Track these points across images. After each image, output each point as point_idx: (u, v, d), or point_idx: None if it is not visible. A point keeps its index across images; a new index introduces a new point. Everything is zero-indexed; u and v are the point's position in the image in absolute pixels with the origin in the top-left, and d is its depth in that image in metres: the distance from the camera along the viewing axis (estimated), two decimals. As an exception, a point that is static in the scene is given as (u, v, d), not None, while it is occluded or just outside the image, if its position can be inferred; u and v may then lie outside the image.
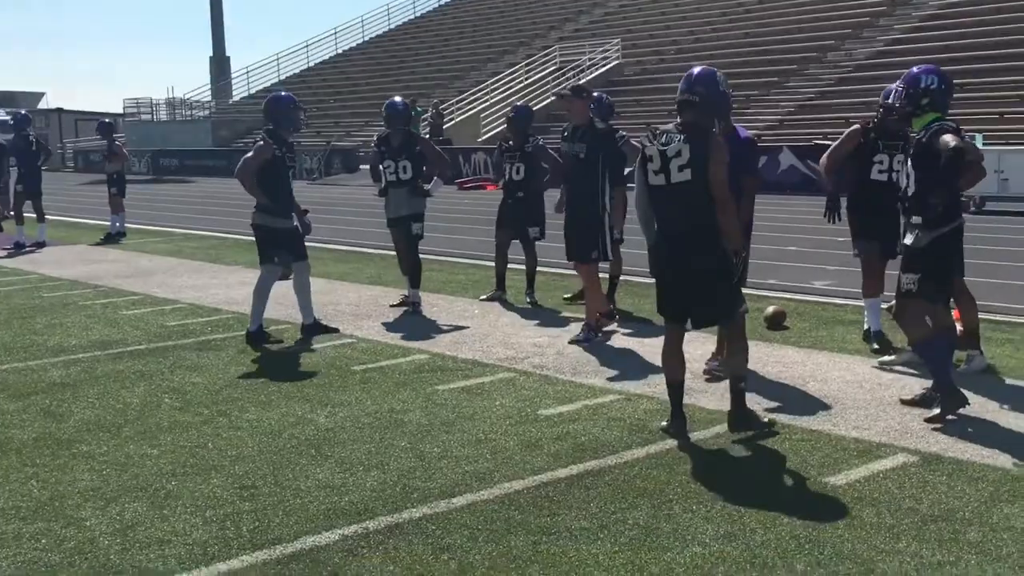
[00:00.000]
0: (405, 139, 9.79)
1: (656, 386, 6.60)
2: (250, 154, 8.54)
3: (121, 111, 51.11)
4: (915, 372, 6.78)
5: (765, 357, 7.36)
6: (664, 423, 5.83)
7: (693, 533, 4.39)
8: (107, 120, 19.11)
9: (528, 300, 9.97)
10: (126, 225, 17.28)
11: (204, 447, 5.71)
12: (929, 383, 6.14)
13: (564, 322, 9.01)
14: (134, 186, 22.95)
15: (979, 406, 6.00)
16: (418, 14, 55.97)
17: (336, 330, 8.68)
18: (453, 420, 6.12)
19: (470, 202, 22.73)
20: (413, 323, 9.19)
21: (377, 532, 4.48)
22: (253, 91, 52.03)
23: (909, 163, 6.11)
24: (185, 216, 21.31)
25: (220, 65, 58.90)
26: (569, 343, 8.12)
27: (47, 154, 17.06)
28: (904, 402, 6.16)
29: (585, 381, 6.97)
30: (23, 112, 17.09)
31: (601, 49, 36.09)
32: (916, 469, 5.07)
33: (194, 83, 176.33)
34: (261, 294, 8.52)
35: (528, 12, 48.15)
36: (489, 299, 10.12)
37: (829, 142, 22.13)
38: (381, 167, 9.80)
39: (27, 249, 15.46)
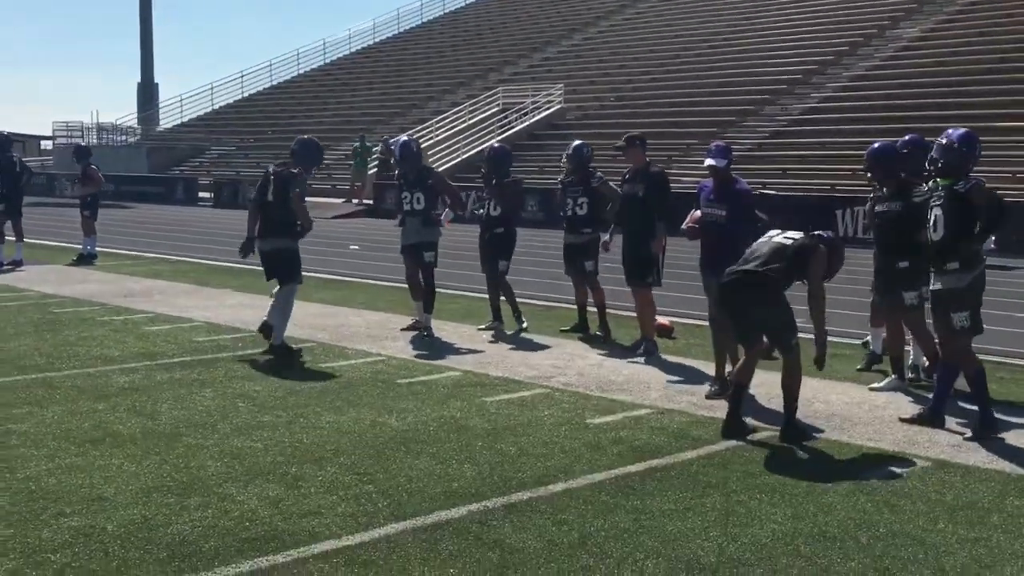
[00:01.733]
0: (419, 174, 10.64)
1: (680, 401, 7.54)
2: (297, 189, 9.66)
3: (50, 133, 50.72)
4: (908, 396, 7.84)
5: (769, 381, 8.34)
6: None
7: (765, 514, 5.27)
8: (83, 144, 19.56)
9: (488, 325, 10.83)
10: (97, 248, 17.69)
11: (300, 442, 6.42)
12: (919, 406, 7.25)
13: (567, 347, 9.88)
14: (69, 210, 23.25)
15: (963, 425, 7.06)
16: (353, 50, 56.85)
17: (299, 351, 9.40)
18: (512, 426, 6.93)
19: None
20: (432, 345, 9.94)
21: (496, 510, 5.26)
22: (186, 119, 52.22)
23: (939, 214, 6.96)
24: (143, 240, 21.61)
25: (147, 92, 58.87)
26: (630, 361, 9.19)
27: (29, 175, 17.41)
28: (903, 420, 7.16)
29: (616, 397, 7.84)
30: (5, 133, 17.35)
31: (545, 93, 37.31)
32: (933, 471, 6.04)
33: (119, 108, 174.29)
34: (289, 310, 9.59)
35: (468, 53, 49.34)
36: (487, 328, 10.90)
37: (771, 191, 23.73)
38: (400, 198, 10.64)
39: (5, 268, 15.78)
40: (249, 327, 10.66)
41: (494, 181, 10.98)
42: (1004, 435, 6.76)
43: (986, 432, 6.74)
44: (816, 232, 6.93)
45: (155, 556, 4.58)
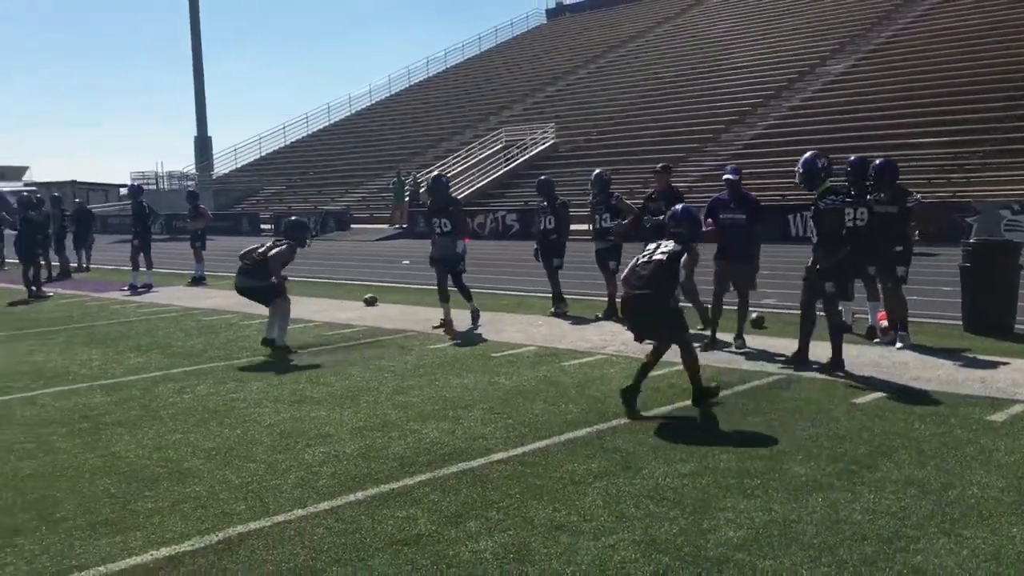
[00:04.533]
0: (444, 203, 11.54)
1: (707, 359, 8.66)
2: (283, 250, 10.20)
3: (128, 181, 51.58)
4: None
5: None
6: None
7: (797, 425, 6.35)
8: (192, 189, 20.53)
9: (554, 310, 11.90)
10: (205, 272, 18.69)
11: (444, 397, 7.46)
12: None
13: (606, 326, 10.94)
14: (164, 244, 24.09)
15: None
16: (374, 101, 57.90)
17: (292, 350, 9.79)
18: (591, 380, 7.98)
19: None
20: (494, 330, 10.93)
21: (605, 430, 6.31)
22: (239, 165, 53.21)
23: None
24: (226, 263, 22.58)
25: (203, 144, 59.84)
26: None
27: (156, 216, 18.37)
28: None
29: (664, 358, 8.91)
30: (137, 184, 18.38)
31: (541, 131, 38.40)
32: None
33: (177, 157, 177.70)
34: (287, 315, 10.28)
35: (470, 100, 50.42)
36: (555, 312, 11.98)
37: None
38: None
39: (140, 290, 16.77)
40: (359, 323, 11.72)
41: (545, 203, 12.16)
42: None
43: None
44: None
45: (389, 465, 5.63)
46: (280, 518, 4.75)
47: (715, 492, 4.97)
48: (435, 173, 12.20)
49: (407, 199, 33.22)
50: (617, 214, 11.71)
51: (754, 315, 10.74)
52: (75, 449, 6.16)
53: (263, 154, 53.74)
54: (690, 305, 9.14)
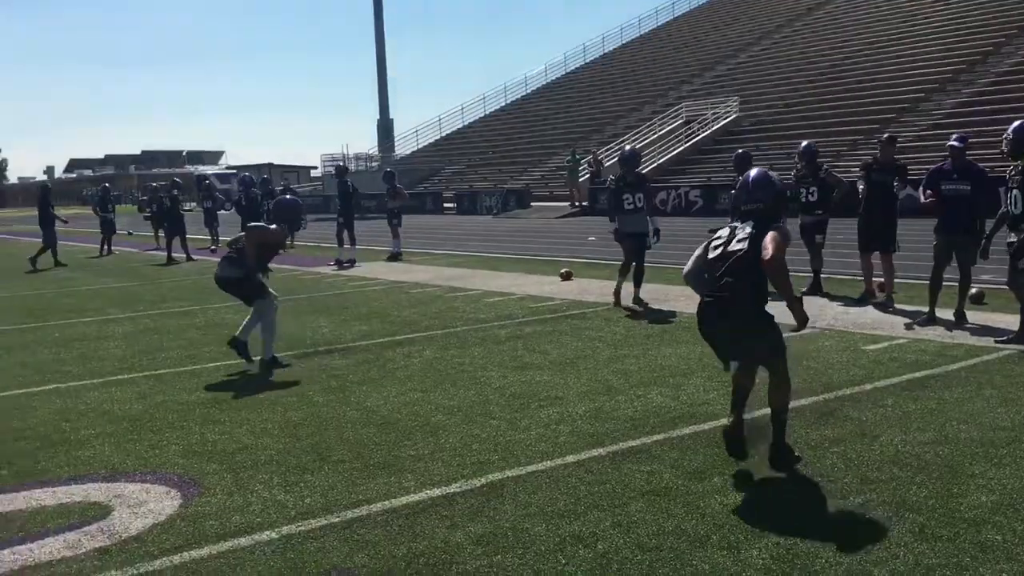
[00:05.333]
0: (638, 178, 11.50)
1: (926, 334, 8.46)
2: (273, 228, 8.59)
3: (317, 164, 54.70)
4: None
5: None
6: None
7: (1031, 399, 6.22)
8: (389, 169, 21.65)
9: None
10: (401, 248, 19.67)
11: (662, 367, 7.68)
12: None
13: (816, 301, 10.82)
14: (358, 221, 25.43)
15: None
16: (550, 80, 58.43)
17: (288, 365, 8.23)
18: (811, 351, 7.91)
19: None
20: (692, 304, 11.07)
21: (831, 399, 6.39)
22: (421, 146, 55.15)
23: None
24: (425, 241, 23.65)
25: (385, 127, 62.32)
26: (888, 311, 10.08)
27: (358, 197, 19.55)
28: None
29: (873, 332, 8.78)
30: (343, 164, 19.54)
31: (723, 105, 37.76)
32: None
33: (361, 140, 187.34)
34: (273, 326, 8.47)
35: (648, 75, 50.07)
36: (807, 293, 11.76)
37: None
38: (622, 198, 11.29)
39: (345, 265, 17.89)
40: (556, 297, 12.10)
41: (808, 176, 11.60)
42: None
43: None
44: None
45: (622, 426, 5.95)
46: (532, 468, 5.15)
47: (960, 460, 4.99)
48: (628, 147, 12.26)
49: (585, 177, 33.52)
50: (825, 188, 11.50)
51: (974, 290, 10.38)
52: (331, 403, 6.82)
53: (443, 134, 55.42)
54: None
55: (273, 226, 8.64)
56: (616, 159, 12.41)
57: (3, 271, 20.43)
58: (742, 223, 4.97)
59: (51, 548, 4.26)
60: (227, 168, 78.53)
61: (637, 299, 11.25)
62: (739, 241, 4.89)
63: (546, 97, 55.23)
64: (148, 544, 4.27)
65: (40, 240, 21.46)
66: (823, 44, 42.98)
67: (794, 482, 4.79)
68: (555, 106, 51.98)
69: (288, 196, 9.49)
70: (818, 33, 45.28)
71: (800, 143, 12.15)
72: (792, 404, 6.23)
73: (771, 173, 5.16)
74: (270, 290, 8.56)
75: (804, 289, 11.42)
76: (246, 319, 8.48)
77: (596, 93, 50.87)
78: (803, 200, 11.63)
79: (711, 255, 5.00)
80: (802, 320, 4.91)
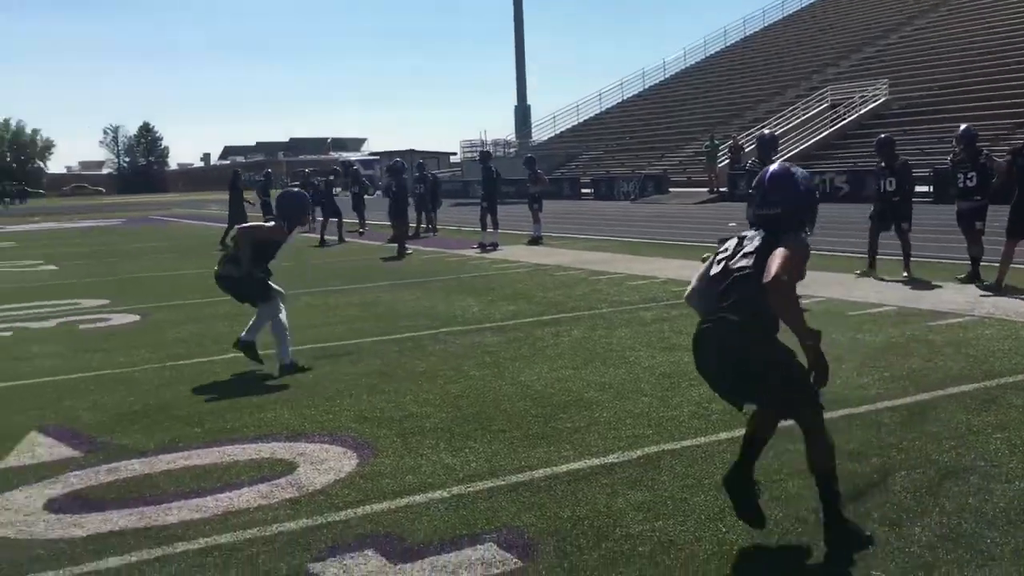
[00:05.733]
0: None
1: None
2: (271, 226, 7.95)
3: (458, 150, 55.87)
4: None
5: None
6: None
7: None
8: (531, 155, 22.00)
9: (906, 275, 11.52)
10: (542, 232, 19.95)
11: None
12: None
13: (966, 289, 10.47)
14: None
15: None
16: (689, 64, 57.61)
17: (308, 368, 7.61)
18: (971, 338, 7.74)
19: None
20: (842, 289, 10.87)
21: (997, 387, 6.26)
22: (559, 131, 55.46)
23: None
24: (565, 226, 23.88)
25: (523, 113, 62.90)
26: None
27: (501, 182, 19.97)
28: None
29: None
30: (487, 150, 19.98)
31: (872, 88, 36.42)
32: None
33: (498, 126, 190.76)
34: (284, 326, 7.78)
35: (791, 59, 48.73)
36: (863, 275, 11.73)
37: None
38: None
39: (488, 248, 18.31)
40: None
41: (883, 164, 11.80)
42: None
43: None
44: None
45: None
46: (687, 443, 5.29)
47: None
48: (767, 131, 12.14)
49: (725, 162, 33.02)
50: (984, 173, 11.12)
51: None
52: (487, 377, 7.13)
53: (580, 120, 55.52)
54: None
55: (270, 223, 7.96)
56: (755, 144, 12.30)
57: (190, 250, 21.92)
58: (754, 232, 3.91)
59: (248, 497, 4.70)
60: (369, 154, 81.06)
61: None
62: (744, 256, 3.82)
63: (685, 82, 54.51)
64: (333, 497, 4.66)
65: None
66: (979, 24, 40.78)
67: (956, 467, 4.75)
68: (694, 91, 51.25)
69: (294, 188, 8.20)
70: (974, 12, 42.96)
71: (957, 127, 11.78)
72: (952, 390, 6.17)
73: (796, 169, 3.96)
74: (277, 289, 7.90)
75: (961, 276, 11.08)
76: (252, 319, 7.83)
77: (736, 77, 49.87)
78: (961, 186, 11.30)
79: (713, 270, 3.93)
80: (819, 366, 3.72)
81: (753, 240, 3.85)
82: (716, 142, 34.45)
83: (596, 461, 5.03)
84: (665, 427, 5.61)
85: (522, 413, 6.05)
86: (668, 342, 8.23)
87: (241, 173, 25.47)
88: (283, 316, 7.74)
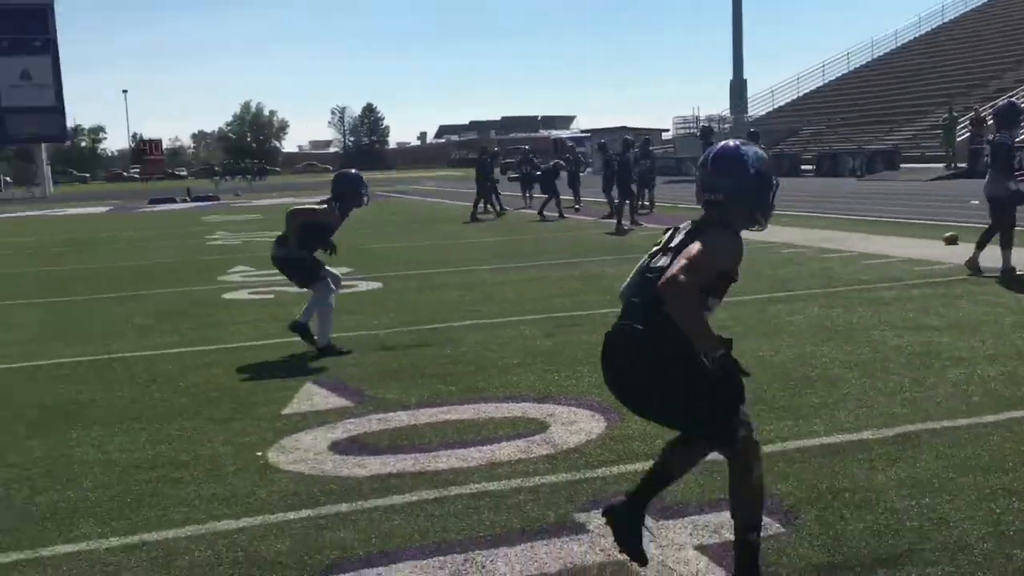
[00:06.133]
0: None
1: None
2: (321, 208, 7.83)
3: (671, 127, 55.23)
4: None
5: None
6: None
7: None
8: (754, 130, 21.58)
9: None
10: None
11: None
12: None
13: None
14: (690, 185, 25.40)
15: None
16: (923, 31, 54.00)
17: (349, 351, 7.59)
18: None
19: None
20: None
21: None
22: (777, 105, 53.58)
23: None
24: (787, 204, 23.12)
25: (738, 88, 61.14)
26: None
27: (653, 161, 19.77)
28: None
29: None
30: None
31: None
32: None
33: (712, 102, 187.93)
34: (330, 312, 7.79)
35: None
36: None
37: None
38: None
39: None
40: (944, 261, 11.43)
41: None
42: None
43: None
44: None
45: None
46: (946, 423, 5.10)
47: None
48: (1008, 101, 11.18)
49: (964, 136, 30.77)
50: None
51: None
52: (725, 350, 7.12)
53: (800, 94, 53.36)
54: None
55: (323, 206, 7.79)
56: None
57: (412, 223, 23.14)
58: (688, 222, 3.35)
59: (508, 451, 4.99)
60: (580, 132, 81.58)
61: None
62: (666, 252, 3.28)
63: (918, 51, 51.14)
64: (587, 456, 4.86)
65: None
66: None
67: None
68: (929, 60, 48.01)
69: (352, 170, 8.30)
70: None
71: None
72: None
73: (748, 148, 3.34)
74: (331, 272, 7.85)
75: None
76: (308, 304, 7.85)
77: (980, 43, 46.21)
78: None
79: (641, 263, 3.40)
80: (728, 383, 3.22)
81: (680, 232, 3.30)
82: (955, 114, 32.17)
83: (850, 437, 4.95)
84: (921, 406, 5.43)
85: (764, 387, 6.02)
86: (914, 322, 7.89)
87: (489, 150, 26.73)
88: (332, 299, 7.71)
